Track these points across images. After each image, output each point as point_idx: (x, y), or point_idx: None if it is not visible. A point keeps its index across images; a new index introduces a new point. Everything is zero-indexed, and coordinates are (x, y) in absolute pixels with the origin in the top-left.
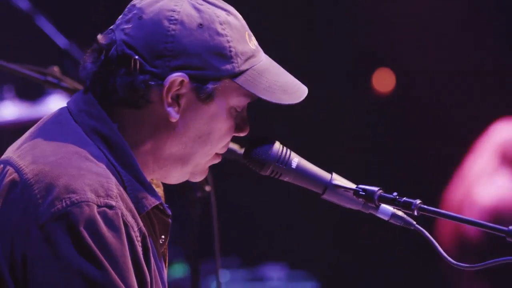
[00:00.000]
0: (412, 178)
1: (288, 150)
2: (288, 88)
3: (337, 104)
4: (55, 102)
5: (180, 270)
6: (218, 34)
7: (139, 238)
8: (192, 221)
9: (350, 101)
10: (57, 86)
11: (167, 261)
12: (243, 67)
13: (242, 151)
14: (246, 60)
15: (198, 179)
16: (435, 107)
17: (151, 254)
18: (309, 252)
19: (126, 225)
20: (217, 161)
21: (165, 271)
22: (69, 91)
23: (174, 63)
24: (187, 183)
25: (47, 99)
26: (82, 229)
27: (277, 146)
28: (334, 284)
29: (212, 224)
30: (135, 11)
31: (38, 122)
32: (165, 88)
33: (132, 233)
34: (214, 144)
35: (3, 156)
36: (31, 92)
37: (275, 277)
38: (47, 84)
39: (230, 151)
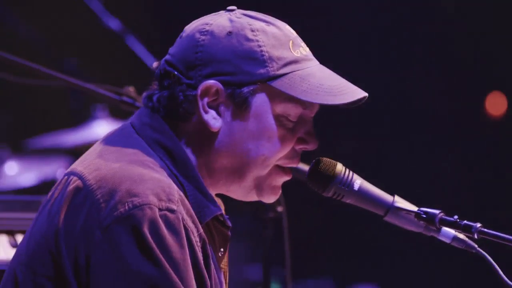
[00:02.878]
0: None
1: (351, 172)
2: (334, 90)
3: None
4: None
5: None
6: (248, 39)
7: (199, 244)
8: (264, 242)
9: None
10: (133, 106)
11: (227, 278)
12: (281, 71)
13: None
14: (285, 65)
15: (268, 198)
16: None
17: (211, 261)
18: (400, 272)
19: (186, 229)
20: (286, 177)
21: (224, 285)
22: None
23: (205, 71)
24: (259, 204)
25: None
26: (144, 230)
27: (340, 167)
28: None
29: (284, 246)
30: (181, 33)
31: (102, 137)
32: (198, 96)
33: (192, 237)
34: (266, 152)
35: (69, 168)
36: (124, 112)
37: None
38: (123, 104)
39: (297, 170)
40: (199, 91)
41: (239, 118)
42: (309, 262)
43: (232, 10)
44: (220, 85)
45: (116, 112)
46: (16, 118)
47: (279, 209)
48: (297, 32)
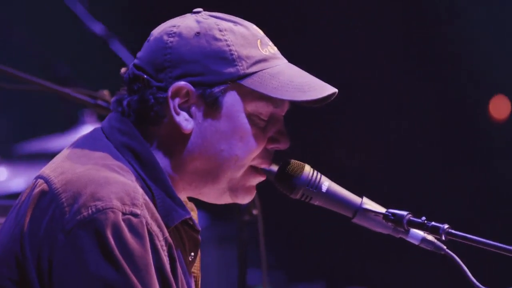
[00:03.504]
0: None
1: (319, 174)
2: (304, 86)
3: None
4: None
5: None
6: (216, 39)
7: (164, 248)
8: (240, 245)
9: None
10: (107, 110)
11: (199, 283)
12: (251, 70)
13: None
14: (254, 63)
15: (242, 199)
16: None
17: (178, 265)
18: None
19: (150, 233)
20: (260, 178)
21: None
22: None
23: (175, 73)
24: (234, 207)
25: None
26: (107, 235)
27: (308, 169)
28: None
29: (259, 248)
30: (148, 37)
31: (72, 141)
32: (169, 98)
33: (157, 242)
34: (239, 153)
35: (38, 173)
36: None
37: None
38: (97, 107)
39: (269, 171)
40: (169, 93)
41: (211, 118)
42: (301, 265)
43: (198, 12)
44: (190, 86)
45: (104, 117)
46: (4, 124)
47: (255, 212)
48: (264, 32)
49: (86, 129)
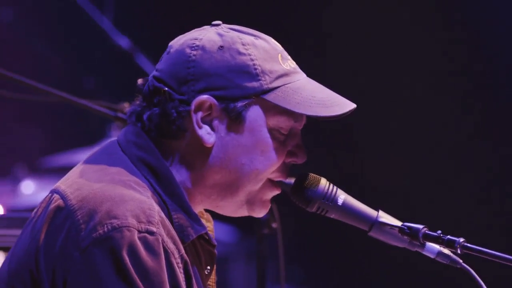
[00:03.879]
0: None
1: (335, 187)
2: (327, 102)
3: None
4: None
5: None
6: (240, 53)
7: (180, 265)
8: (259, 258)
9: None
10: (127, 122)
11: None
12: (274, 85)
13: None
14: (277, 78)
15: (259, 213)
16: None
17: (194, 282)
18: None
19: (166, 251)
20: (276, 191)
21: None
22: None
23: (198, 86)
24: (254, 220)
25: None
26: (123, 253)
27: (323, 183)
28: None
29: (279, 261)
30: (167, 49)
31: (88, 154)
32: (192, 111)
33: (173, 259)
34: (260, 167)
35: (54, 186)
36: None
37: None
38: (117, 120)
39: (284, 184)
40: (192, 106)
41: (234, 132)
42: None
43: (218, 25)
44: (213, 100)
45: None
46: (32, 137)
47: (274, 225)
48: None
49: None
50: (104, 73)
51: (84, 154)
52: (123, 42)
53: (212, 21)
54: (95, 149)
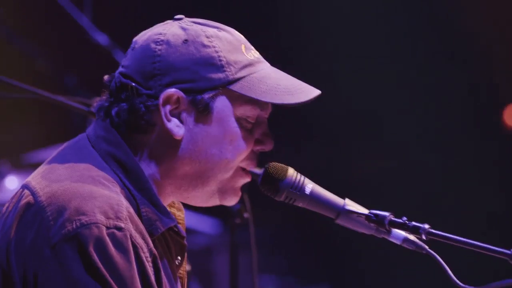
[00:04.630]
0: None
1: (302, 176)
2: (292, 89)
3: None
4: None
5: None
6: (204, 46)
7: (149, 259)
8: (232, 247)
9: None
10: (95, 117)
11: (185, 284)
12: (239, 75)
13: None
14: (242, 68)
15: (230, 201)
16: None
17: (162, 275)
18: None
19: (135, 246)
20: (246, 179)
21: None
22: None
23: (165, 80)
24: (226, 211)
25: None
26: (91, 249)
27: (291, 172)
28: None
29: (251, 250)
30: (132, 45)
31: (59, 149)
32: (160, 105)
33: (142, 254)
34: (229, 156)
35: (25, 181)
36: None
37: None
38: (90, 114)
39: (253, 173)
40: (160, 100)
41: (202, 123)
42: (308, 268)
43: (180, 19)
44: (181, 93)
45: None
46: (14, 135)
47: (246, 215)
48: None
49: None
50: (83, 70)
51: None
52: (102, 38)
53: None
54: (65, 143)
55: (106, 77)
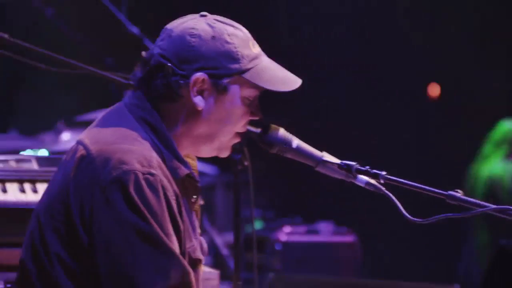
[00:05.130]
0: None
1: (290, 135)
2: (286, 80)
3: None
4: None
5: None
6: (227, 42)
7: (173, 197)
8: (235, 188)
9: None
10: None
11: (199, 215)
12: (249, 66)
13: (257, 130)
14: (251, 61)
15: (224, 155)
16: None
17: (183, 209)
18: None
19: (163, 187)
20: (237, 140)
21: (196, 222)
22: None
23: (195, 66)
24: (231, 160)
25: None
26: (131, 190)
27: (282, 131)
28: (368, 236)
29: (250, 191)
30: (167, 32)
31: (103, 113)
32: (191, 84)
33: (168, 193)
34: (233, 124)
35: (78, 138)
36: None
37: (325, 231)
38: (128, 86)
39: (249, 131)
40: (191, 81)
41: (219, 101)
42: (283, 204)
43: (205, 16)
44: (206, 77)
45: None
46: (68, 100)
47: (246, 163)
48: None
49: None
50: (120, 53)
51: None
52: (135, 30)
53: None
54: (107, 109)
55: (144, 53)
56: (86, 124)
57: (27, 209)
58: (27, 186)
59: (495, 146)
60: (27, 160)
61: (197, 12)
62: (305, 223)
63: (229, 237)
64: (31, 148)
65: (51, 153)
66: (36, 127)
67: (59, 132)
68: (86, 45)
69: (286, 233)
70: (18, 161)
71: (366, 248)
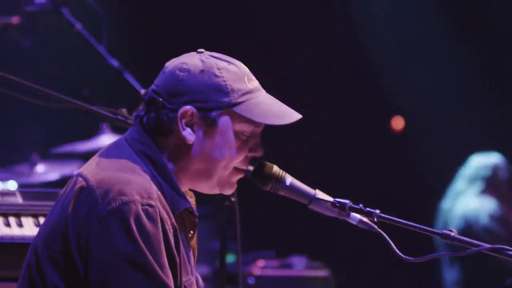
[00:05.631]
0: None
1: (284, 172)
2: (280, 114)
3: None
4: None
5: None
6: (216, 76)
7: (171, 230)
8: (222, 223)
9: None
10: (125, 123)
11: (195, 252)
12: (240, 100)
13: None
14: (243, 94)
15: (228, 191)
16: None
17: (180, 243)
18: (324, 246)
19: (162, 219)
20: (240, 176)
21: (192, 259)
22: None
23: (184, 99)
24: (218, 195)
25: None
26: (131, 221)
27: (276, 169)
28: (341, 271)
29: (236, 227)
30: (163, 68)
31: (104, 147)
32: (179, 117)
33: (166, 226)
34: (228, 159)
35: (78, 170)
36: (120, 128)
37: (299, 265)
38: (118, 121)
39: (246, 171)
40: (179, 114)
41: (208, 134)
42: (256, 238)
43: (201, 52)
44: (195, 110)
45: (116, 128)
46: (43, 132)
47: (233, 199)
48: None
49: (104, 136)
50: (98, 86)
51: (83, 145)
52: (115, 63)
53: (188, 48)
54: (108, 144)
55: (143, 91)
56: (61, 157)
57: (12, 243)
58: (12, 220)
59: (469, 182)
60: (11, 194)
61: (180, 46)
62: (278, 257)
63: (202, 269)
64: (1, 180)
65: (25, 185)
66: (10, 158)
67: (34, 164)
68: (63, 76)
69: (259, 267)
70: (2, 194)
71: (339, 283)
